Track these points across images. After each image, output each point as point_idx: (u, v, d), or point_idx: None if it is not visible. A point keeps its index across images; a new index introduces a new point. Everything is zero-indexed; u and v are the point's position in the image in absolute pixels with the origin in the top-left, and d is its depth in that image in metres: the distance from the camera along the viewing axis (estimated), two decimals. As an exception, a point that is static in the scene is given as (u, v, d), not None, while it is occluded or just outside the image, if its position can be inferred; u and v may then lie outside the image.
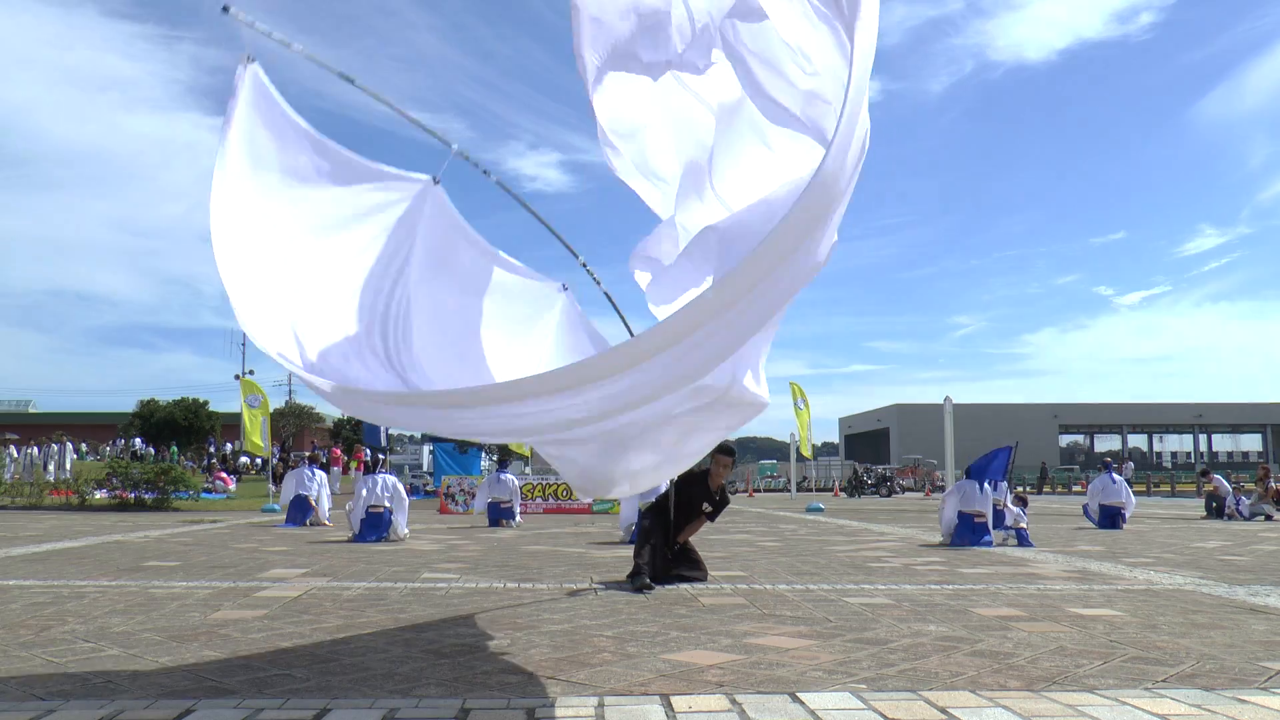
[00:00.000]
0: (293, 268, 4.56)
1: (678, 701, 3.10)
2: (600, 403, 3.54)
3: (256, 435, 21.69)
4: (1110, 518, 13.84)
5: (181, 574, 7.18)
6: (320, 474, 15.36)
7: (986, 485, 10.68)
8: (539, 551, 9.39)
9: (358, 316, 4.79)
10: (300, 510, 14.44)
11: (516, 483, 14.87)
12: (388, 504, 11.13)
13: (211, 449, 42.19)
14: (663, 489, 7.68)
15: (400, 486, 11.57)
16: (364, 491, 11.17)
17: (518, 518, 14.63)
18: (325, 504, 14.91)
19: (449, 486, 19.61)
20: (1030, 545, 10.27)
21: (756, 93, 4.39)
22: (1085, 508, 14.84)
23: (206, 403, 50.10)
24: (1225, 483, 17.98)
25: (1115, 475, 14.40)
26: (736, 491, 46.25)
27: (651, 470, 5.35)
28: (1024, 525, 10.62)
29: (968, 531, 10.30)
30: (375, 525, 10.95)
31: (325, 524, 14.55)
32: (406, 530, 11.36)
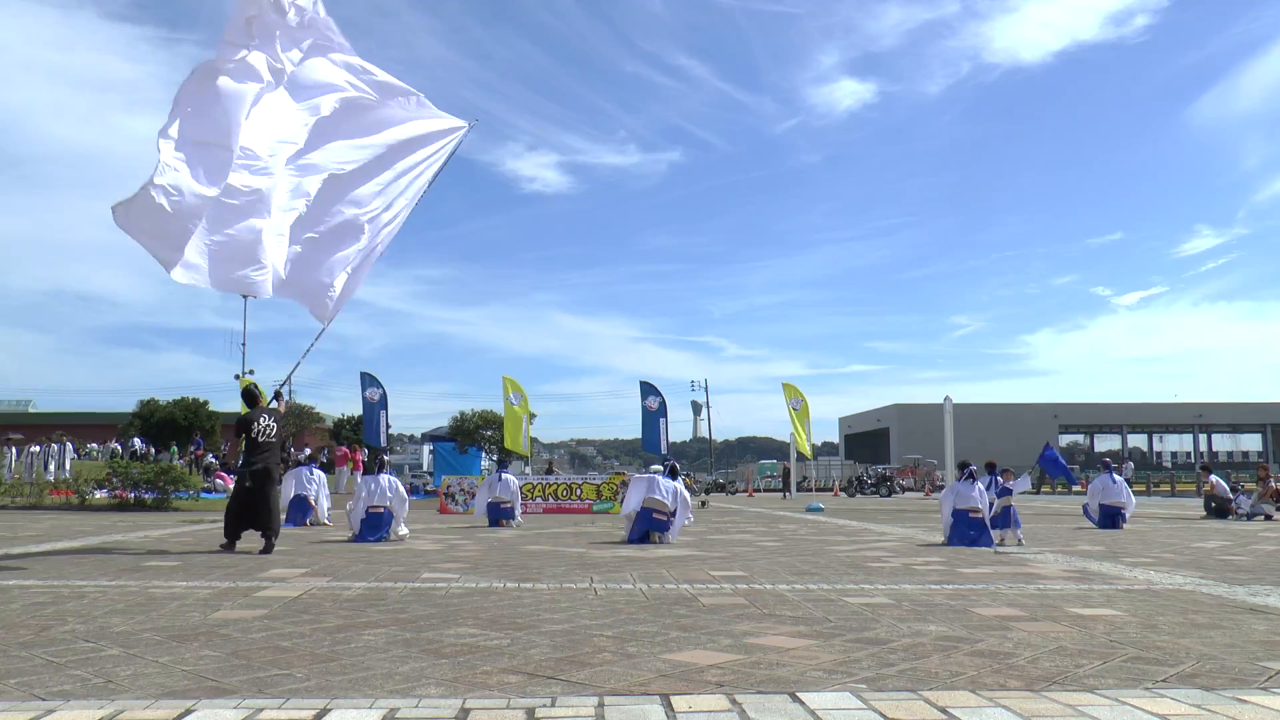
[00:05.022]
0: None
1: (678, 701, 3.10)
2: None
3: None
4: (1110, 518, 13.84)
5: (181, 574, 7.18)
6: (320, 474, 15.37)
7: (979, 484, 10.71)
8: (539, 551, 9.39)
9: None
10: (300, 510, 14.44)
11: (517, 483, 14.89)
12: (388, 504, 11.13)
13: (195, 449, 42.00)
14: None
15: (401, 487, 11.57)
16: (364, 492, 11.16)
17: (519, 518, 14.64)
18: (325, 504, 14.92)
19: (449, 486, 19.60)
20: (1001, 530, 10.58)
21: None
22: (1085, 508, 14.85)
23: (206, 403, 50.15)
24: (1224, 483, 17.99)
25: (1115, 475, 14.41)
26: (737, 491, 46.24)
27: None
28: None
29: (965, 528, 10.31)
30: (375, 525, 10.94)
31: (325, 524, 14.56)
32: (406, 530, 11.36)
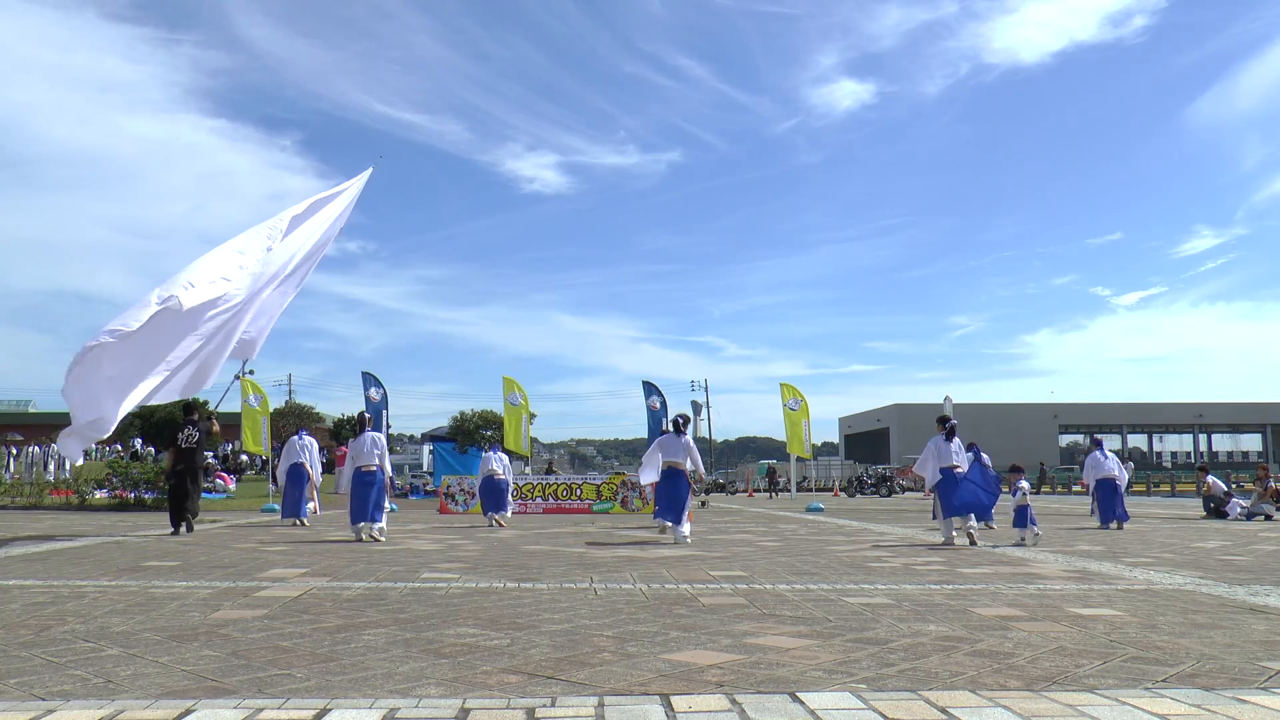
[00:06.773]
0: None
1: (678, 701, 3.10)
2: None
3: (256, 435, 21.69)
4: (1109, 495, 13.95)
5: (181, 574, 7.18)
6: (310, 439, 15.53)
7: (958, 441, 10.83)
8: (539, 551, 9.39)
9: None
10: (296, 483, 14.56)
11: (508, 459, 15.24)
12: (376, 462, 10.98)
13: None
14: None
15: (384, 441, 11.40)
16: (351, 453, 11.08)
17: (509, 509, 14.76)
18: (317, 469, 15.13)
19: (449, 486, 19.61)
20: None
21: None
22: (1089, 492, 15.09)
23: (206, 403, 50.09)
24: (1221, 483, 18.02)
25: (1105, 451, 14.65)
26: (737, 491, 46.24)
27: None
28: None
29: (954, 484, 10.45)
30: (368, 484, 10.73)
31: (314, 506, 14.83)
32: (390, 507, 11.37)
